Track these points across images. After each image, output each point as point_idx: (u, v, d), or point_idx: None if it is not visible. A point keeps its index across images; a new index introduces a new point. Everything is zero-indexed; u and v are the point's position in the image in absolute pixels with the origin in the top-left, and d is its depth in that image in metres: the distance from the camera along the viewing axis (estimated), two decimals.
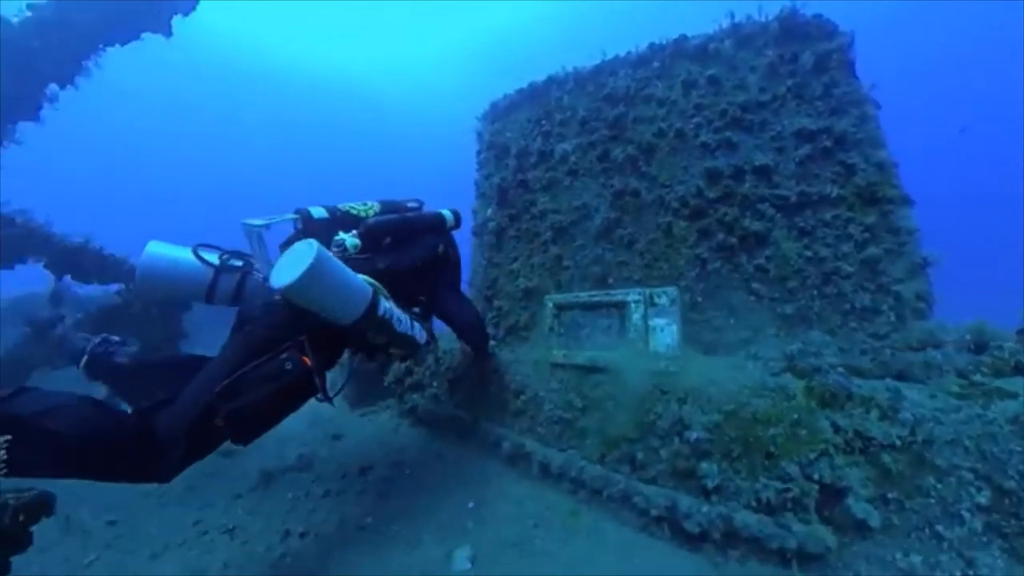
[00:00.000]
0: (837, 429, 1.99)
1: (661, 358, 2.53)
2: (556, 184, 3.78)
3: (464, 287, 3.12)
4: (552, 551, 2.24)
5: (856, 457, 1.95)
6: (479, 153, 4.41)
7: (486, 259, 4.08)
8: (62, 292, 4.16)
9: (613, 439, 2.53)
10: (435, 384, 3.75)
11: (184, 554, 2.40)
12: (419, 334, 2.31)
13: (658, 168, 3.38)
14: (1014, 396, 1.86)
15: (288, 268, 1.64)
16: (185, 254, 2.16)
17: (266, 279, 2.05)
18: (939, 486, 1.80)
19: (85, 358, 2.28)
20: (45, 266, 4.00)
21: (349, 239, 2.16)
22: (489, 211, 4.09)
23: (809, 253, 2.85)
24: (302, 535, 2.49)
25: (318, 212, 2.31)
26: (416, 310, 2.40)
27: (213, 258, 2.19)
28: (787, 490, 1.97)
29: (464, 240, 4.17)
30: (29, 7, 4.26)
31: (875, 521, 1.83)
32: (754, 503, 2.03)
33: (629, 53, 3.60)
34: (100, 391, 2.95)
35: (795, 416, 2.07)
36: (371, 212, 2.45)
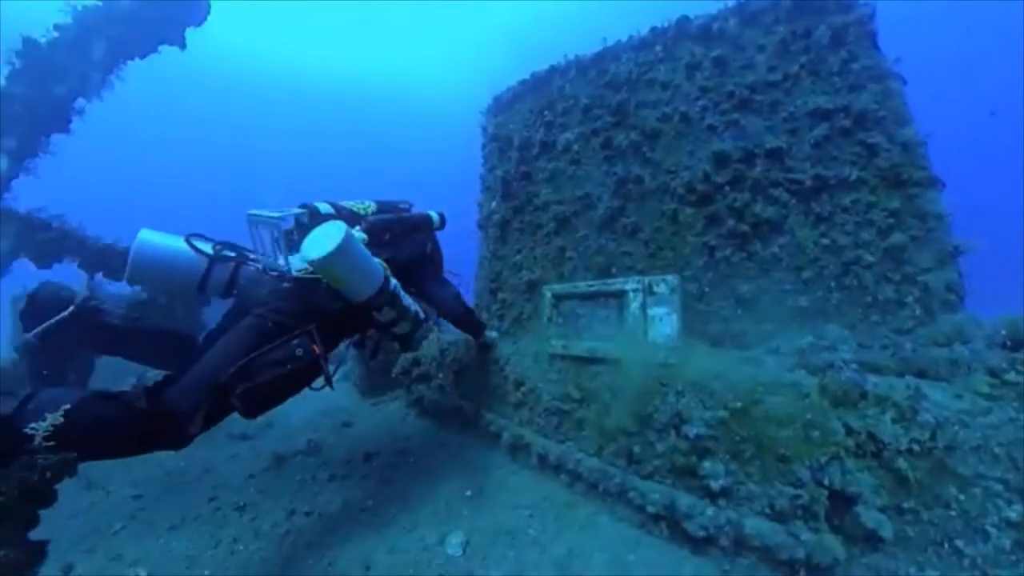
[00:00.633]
0: (849, 431, 1.83)
1: (660, 349, 2.42)
2: (559, 174, 3.69)
3: (463, 280, 3.36)
4: (544, 542, 2.21)
5: (868, 462, 1.79)
6: (483, 147, 4.37)
7: (490, 252, 4.05)
8: (95, 289, 4.44)
9: (610, 432, 2.44)
10: (441, 375, 3.76)
11: (199, 528, 2.55)
12: (420, 310, 2.53)
13: (663, 153, 3.23)
14: None
15: (320, 243, 1.88)
16: (178, 243, 2.13)
17: (265, 269, 2.17)
18: (962, 497, 1.62)
19: (72, 308, 2.07)
20: (79, 266, 4.30)
21: (357, 232, 2.32)
22: (493, 204, 4.05)
23: (826, 241, 2.65)
24: (307, 514, 2.58)
25: (324, 208, 2.45)
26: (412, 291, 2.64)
27: (206, 248, 2.16)
28: (798, 496, 1.84)
29: (469, 234, 4.14)
30: (55, 27, 4.58)
31: (887, 532, 1.68)
32: (768, 510, 1.90)
33: (631, 37, 3.46)
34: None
35: (807, 416, 1.92)
36: (369, 210, 2.63)
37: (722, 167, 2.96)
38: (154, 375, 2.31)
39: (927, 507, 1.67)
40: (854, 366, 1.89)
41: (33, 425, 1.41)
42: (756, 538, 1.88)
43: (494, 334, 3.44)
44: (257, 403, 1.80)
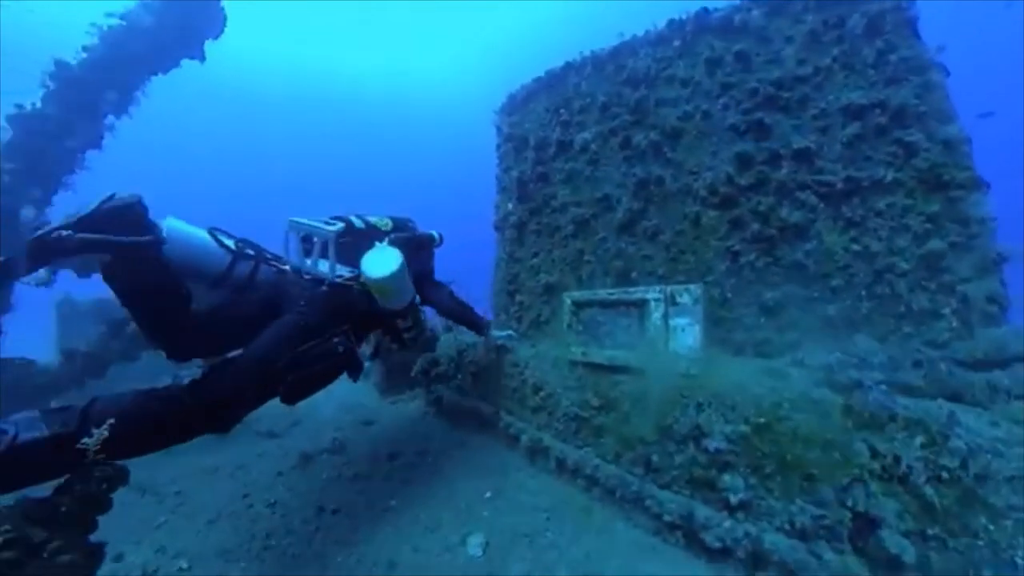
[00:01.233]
0: (875, 453, 1.78)
1: (681, 360, 2.39)
2: (576, 175, 3.62)
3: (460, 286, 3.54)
4: (561, 545, 2.26)
5: (894, 486, 1.74)
6: (498, 147, 4.32)
7: (507, 254, 4.04)
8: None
9: (629, 440, 2.47)
10: (460, 376, 3.83)
11: (234, 523, 2.72)
12: (426, 319, 2.90)
13: (684, 154, 3.13)
14: None
15: (380, 264, 2.27)
16: (204, 234, 2.16)
17: (300, 272, 2.32)
18: (991, 527, 1.56)
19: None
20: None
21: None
22: (510, 205, 4.02)
23: (857, 247, 2.53)
24: (334, 512, 2.71)
25: (358, 223, 2.72)
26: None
27: (229, 243, 2.22)
28: (822, 516, 1.81)
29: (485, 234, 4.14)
30: (84, 48, 4.80)
31: (910, 557, 1.64)
32: (787, 526, 1.89)
33: (648, 32, 3.32)
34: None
35: (830, 436, 1.88)
36: (387, 226, 2.86)
37: (746, 169, 2.85)
38: (187, 373, 2.58)
39: (953, 535, 1.62)
40: (883, 387, 1.82)
41: (85, 440, 1.53)
42: (775, 553, 1.87)
43: (507, 333, 3.45)
44: (300, 391, 2.03)
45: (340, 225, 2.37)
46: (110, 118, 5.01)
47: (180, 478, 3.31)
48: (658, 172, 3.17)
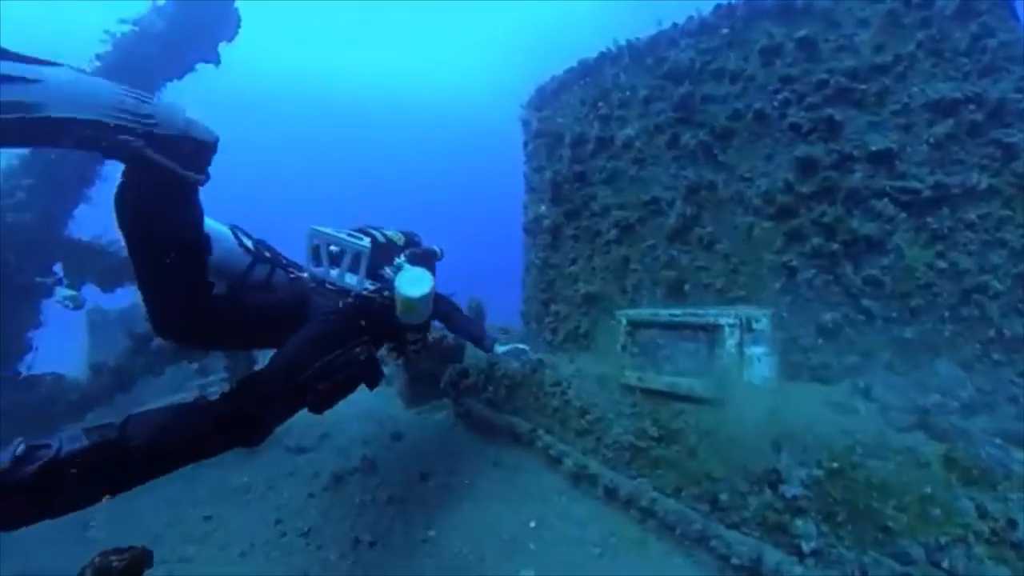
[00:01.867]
0: (983, 514, 1.59)
1: (757, 392, 2.20)
2: (619, 175, 3.32)
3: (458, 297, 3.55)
4: None
5: (1005, 551, 1.55)
6: (526, 144, 4.04)
7: (540, 259, 3.81)
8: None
9: (693, 474, 2.32)
10: (490, 388, 3.69)
11: (268, 554, 2.63)
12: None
13: (736, 157, 2.85)
14: None
15: (415, 285, 2.37)
16: (227, 231, 2.11)
17: (323, 282, 2.36)
18: None
19: None
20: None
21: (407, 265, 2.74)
22: (542, 207, 3.77)
23: (943, 264, 2.28)
24: (371, 544, 2.62)
25: (380, 237, 2.83)
26: None
27: (248, 244, 2.18)
28: (907, 574, 1.65)
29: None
30: (97, 57, 4.62)
31: None
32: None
33: (690, 19, 2.99)
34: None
35: (927, 490, 1.71)
36: (400, 240, 3.00)
37: (808, 174, 2.57)
38: (214, 382, 2.51)
39: None
40: (997, 441, 1.61)
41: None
42: None
43: (510, 348, 3.09)
44: (328, 399, 2.03)
45: (368, 240, 2.39)
46: None
47: (210, 499, 3.25)
48: (709, 176, 2.90)
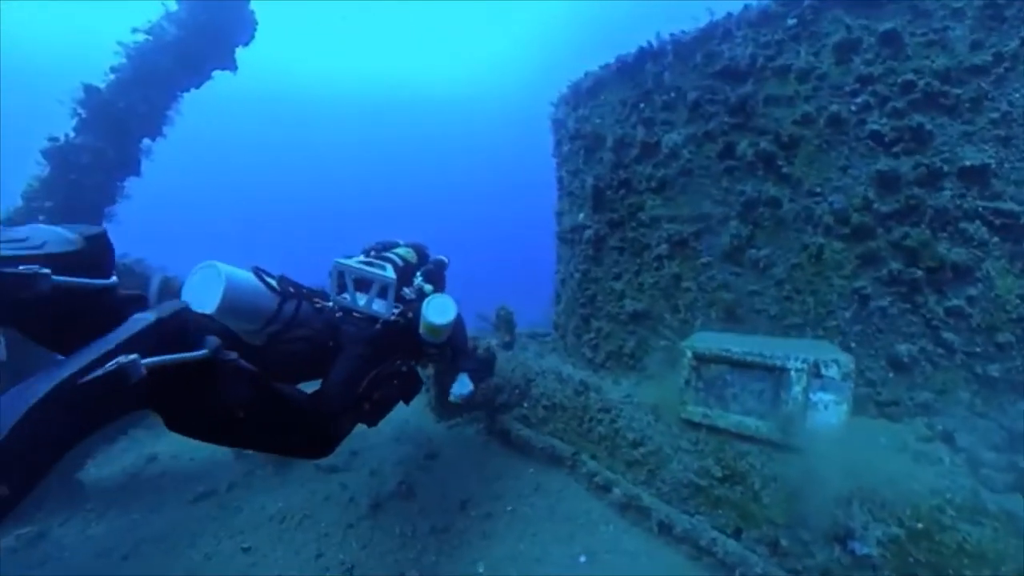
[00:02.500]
0: None
1: (822, 440, 2.06)
2: (670, 184, 3.06)
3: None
4: None
5: None
6: (559, 144, 3.74)
7: (580, 271, 3.58)
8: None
9: (755, 518, 2.23)
10: (525, 404, 3.58)
11: None
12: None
13: (804, 169, 2.61)
14: None
15: (442, 313, 2.61)
16: (252, 276, 2.16)
17: (350, 311, 2.52)
18: None
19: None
20: None
21: (427, 286, 2.97)
22: (581, 216, 3.53)
23: None
24: None
25: (398, 260, 2.98)
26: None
27: (272, 282, 2.25)
28: None
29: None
30: (112, 69, 4.31)
31: None
32: None
33: (747, 8, 2.67)
34: None
35: None
36: (412, 257, 3.17)
37: (890, 191, 2.34)
38: None
39: None
40: None
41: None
42: None
43: (468, 391, 3.00)
44: (380, 410, 2.38)
45: (392, 270, 2.67)
46: (145, 141, 4.64)
47: (247, 528, 3.17)
48: (771, 192, 2.66)
